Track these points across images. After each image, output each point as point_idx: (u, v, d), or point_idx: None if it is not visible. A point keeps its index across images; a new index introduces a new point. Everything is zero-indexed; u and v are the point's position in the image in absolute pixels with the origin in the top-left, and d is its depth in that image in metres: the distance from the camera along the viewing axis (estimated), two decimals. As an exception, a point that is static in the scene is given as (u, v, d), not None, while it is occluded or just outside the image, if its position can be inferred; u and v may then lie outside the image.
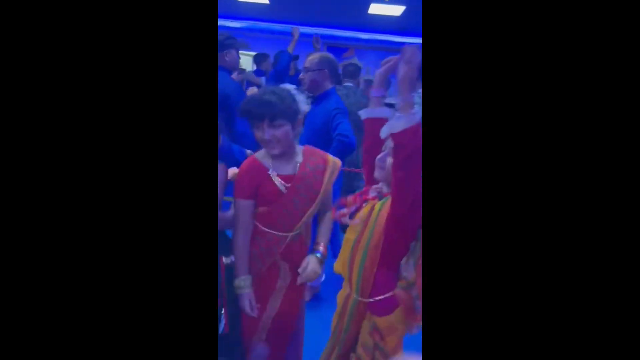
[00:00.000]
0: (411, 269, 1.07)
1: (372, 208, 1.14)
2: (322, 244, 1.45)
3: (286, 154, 1.35)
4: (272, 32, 6.23)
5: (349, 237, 1.19)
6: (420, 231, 1.05)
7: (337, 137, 2.07)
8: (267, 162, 1.35)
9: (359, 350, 1.18)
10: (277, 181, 1.32)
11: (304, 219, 1.36)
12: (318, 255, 1.41)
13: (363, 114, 1.23)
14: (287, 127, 1.29)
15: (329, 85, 2.28)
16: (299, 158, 1.38)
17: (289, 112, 1.28)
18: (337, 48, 6.76)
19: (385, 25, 6.09)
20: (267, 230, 1.35)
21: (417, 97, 0.93)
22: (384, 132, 1.02)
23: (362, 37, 6.71)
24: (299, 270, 1.37)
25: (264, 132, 1.27)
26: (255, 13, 5.97)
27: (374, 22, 5.89)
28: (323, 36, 6.57)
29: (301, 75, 2.39)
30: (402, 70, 0.96)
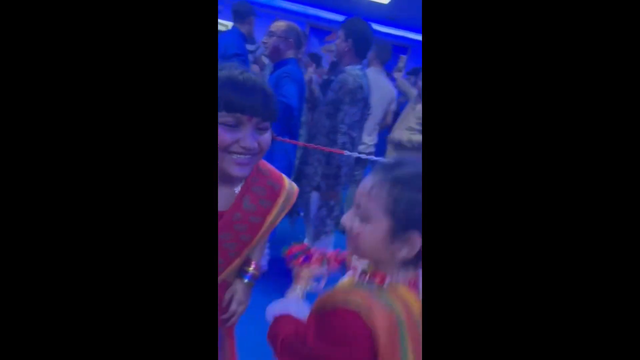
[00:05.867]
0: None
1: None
2: (253, 262, 1.05)
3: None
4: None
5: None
6: None
7: (278, 97, 1.97)
8: None
9: None
10: None
11: (230, 268, 0.97)
12: (246, 280, 1.04)
13: None
14: (269, 135, 0.86)
15: (290, 55, 2.20)
16: (238, 187, 0.92)
17: (274, 113, 0.84)
18: (320, 30, 6.61)
19: (375, 13, 6.01)
20: None
21: None
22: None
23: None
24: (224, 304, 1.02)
25: (245, 137, 0.79)
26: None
27: (362, 8, 5.79)
28: (308, 15, 6.40)
29: (265, 39, 2.28)
30: None
